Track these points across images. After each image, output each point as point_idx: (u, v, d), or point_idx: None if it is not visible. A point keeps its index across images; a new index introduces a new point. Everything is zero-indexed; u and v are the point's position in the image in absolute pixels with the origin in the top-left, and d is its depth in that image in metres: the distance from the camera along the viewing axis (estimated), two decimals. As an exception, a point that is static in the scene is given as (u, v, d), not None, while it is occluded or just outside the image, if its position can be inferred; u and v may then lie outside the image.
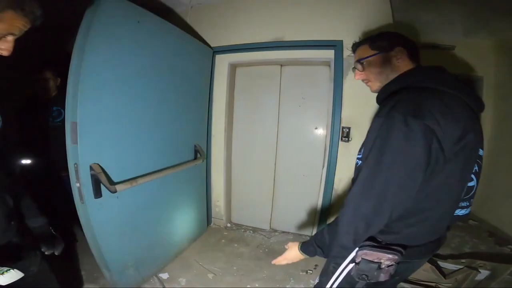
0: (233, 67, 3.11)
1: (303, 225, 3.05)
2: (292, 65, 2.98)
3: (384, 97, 1.04)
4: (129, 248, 2.01)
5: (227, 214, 3.29)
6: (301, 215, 3.06)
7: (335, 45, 2.56)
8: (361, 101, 2.56)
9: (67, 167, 1.57)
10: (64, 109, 1.57)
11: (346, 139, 2.64)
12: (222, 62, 3.02)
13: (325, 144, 2.82)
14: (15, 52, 0.83)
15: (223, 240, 2.92)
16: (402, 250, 0.91)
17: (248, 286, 2.21)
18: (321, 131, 2.94)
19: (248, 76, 3.15)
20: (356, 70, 1.16)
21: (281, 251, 2.49)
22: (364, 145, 0.97)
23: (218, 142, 3.16)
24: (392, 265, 0.90)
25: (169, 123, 2.29)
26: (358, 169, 1.01)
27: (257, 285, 2.23)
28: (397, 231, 0.93)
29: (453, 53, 3.53)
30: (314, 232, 2.84)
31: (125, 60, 1.78)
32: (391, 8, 2.42)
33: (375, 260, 0.90)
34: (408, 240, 0.93)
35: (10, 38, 0.80)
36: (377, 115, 0.89)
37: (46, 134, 2.25)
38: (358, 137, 2.62)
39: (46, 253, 1.08)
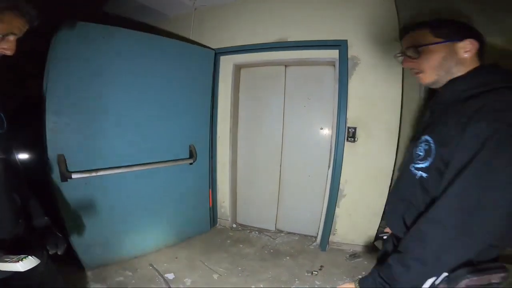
0: (238, 68, 3.12)
1: (308, 226, 3.05)
2: (296, 66, 2.98)
3: (455, 97, 0.87)
4: (97, 229, 2.26)
5: (232, 215, 3.30)
6: (307, 216, 3.05)
7: (340, 45, 2.55)
8: (367, 101, 2.55)
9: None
10: None
11: (352, 139, 2.62)
12: (227, 63, 3.04)
13: (331, 145, 2.80)
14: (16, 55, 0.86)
15: (228, 241, 2.94)
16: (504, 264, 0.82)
17: (253, 287, 2.22)
18: (326, 132, 2.92)
19: (253, 77, 3.17)
20: (406, 57, 0.98)
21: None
22: (441, 153, 0.82)
23: (224, 143, 3.17)
24: (499, 283, 0.81)
25: (158, 124, 2.50)
26: (424, 181, 0.87)
27: (261, 285, 2.23)
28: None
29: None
30: (320, 233, 2.82)
31: (103, 70, 2.16)
32: (396, 7, 2.39)
33: (485, 284, 0.80)
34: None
35: (12, 38, 0.84)
36: (463, 120, 0.76)
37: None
38: (365, 137, 2.60)
39: (50, 252, 1.10)
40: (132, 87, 2.33)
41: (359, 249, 2.75)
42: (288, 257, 2.63)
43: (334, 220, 2.78)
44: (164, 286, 2.19)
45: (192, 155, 2.75)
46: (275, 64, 2.97)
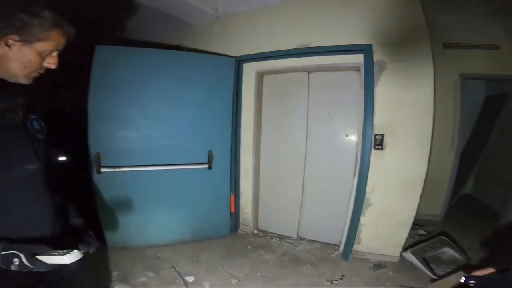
0: (260, 75, 3.15)
1: (331, 234, 2.96)
2: (320, 71, 2.94)
3: None
4: (119, 215, 2.66)
5: (254, 221, 3.30)
6: (330, 224, 2.98)
7: (364, 49, 2.49)
8: (395, 107, 2.46)
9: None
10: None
11: (380, 147, 2.52)
12: (250, 71, 3.08)
13: (357, 152, 2.71)
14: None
15: (249, 246, 2.94)
16: None
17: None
18: (352, 139, 2.84)
19: (276, 84, 3.17)
20: None
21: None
22: None
23: (247, 150, 3.20)
24: None
25: (179, 131, 2.78)
26: None
27: (279, 292, 2.20)
28: None
29: (498, 53, 3.25)
30: (343, 241, 2.74)
31: (132, 84, 2.59)
32: (421, 9, 2.31)
33: None
34: None
35: (55, 54, 0.94)
36: None
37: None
38: (393, 145, 2.50)
39: (82, 251, 1.17)
40: (156, 98, 2.67)
41: (384, 259, 2.63)
42: (308, 265, 2.58)
43: (358, 229, 2.68)
44: (183, 287, 2.23)
45: (209, 160, 2.83)
46: (298, 70, 2.96)
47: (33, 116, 0.99)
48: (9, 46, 0.83)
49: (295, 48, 2.76)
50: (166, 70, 2.66)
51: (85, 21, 2.35)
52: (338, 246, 2.84)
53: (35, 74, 0.92)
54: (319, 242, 3.02)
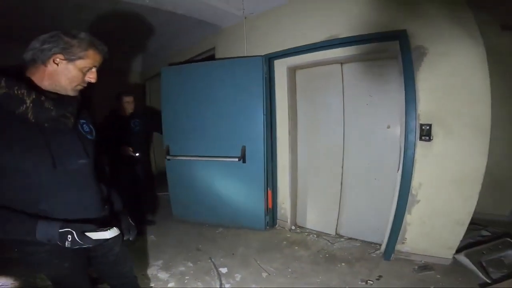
0: (292, 70, 3.12)
1: (373, 233, 2.79)
2: (353, 62, 2.79)
3: None
4: (181, 194, 3.57)
5: (292, 217, 3.27)
6: (372, 221, 2.81)
7: (398, 36, 2.28)
8: (442, 94, 2.22)
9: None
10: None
11: (427, 138, 2.28)
12: (281, 67, 3.07)
13: (400, 145, 2.49)
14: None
15: (284, 242, 2.93)
16: None
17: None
18: (394, 130, 2.63)
19: (308, 78, 3.11)
20: None
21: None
22: None
23: (283, 145, 3.20)
24: None
25: (218, 128, 3.19)
26: None
27: (306, 288, 2.16)
28: None
29: None
30: (385, 240, 2.55)
31: (183, 92, 3.30)
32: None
33: None
34: None
35: (94, 70, 1.12)
36: None
37: (129, 137, 3.10)
38: (443, 135, 2.24)
39: (124, 238, 1.34)
40: (202, 102, 3.22)
41: (432, 261, 2.38)
42: (343, 263, 2.47)
43: (403, 227, 2.47)
44: (216, 278, 2.34)
45: (242, 154, 3.05)
46: (330, 62, 2.84)
47: (83, 121, 1.21)
48: (57, 64, 1.02)
49: (323, 41, 2.66)
50: (206, 78, 3.15)
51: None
52: (380, 245, 2.65)
53: (80, 87, 1.11)
54: (359, 240, 2.87)
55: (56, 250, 1.06)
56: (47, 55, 1.00)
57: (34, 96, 0.98)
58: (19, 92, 0.95)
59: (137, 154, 2.98)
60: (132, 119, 3.15)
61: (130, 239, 1.31)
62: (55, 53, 1.00)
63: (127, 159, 2.97)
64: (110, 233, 1.05)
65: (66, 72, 1.04)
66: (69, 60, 1.03)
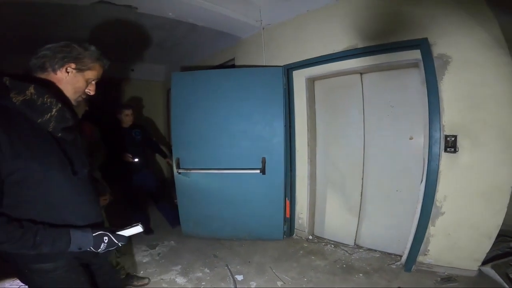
0: (311, 81, 3.12)
1: (394, 244, 2.71)
2: (373, 72, 2.77)
3: None
4: (192, 209, 3.28)
5: (309, 227, 3.24)
6: (393, 233, 2.73)
7: (420, 44, 2.24)
8: (468, 103, 2.15)
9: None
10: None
11: (452, 149, 2.21)
12: (299, 78, 3.09)
13: (424, 156, 2.41)
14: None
15: (301, 251, 2.90)
16: None
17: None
18: (417, 142, 2.56)
19: (328, 89, 3.10)
20: None
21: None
22: None
23: (302, 156, 3.20)
24: None
25: (236, 140, 3.07)
26: None
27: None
28: None
29: None
30: (406, 251, 2.46)
31: (197, 100, 3.09)
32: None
33: None
34: None
35: (94, 82, 1.17)
36: None
37: (130, 146, 3.28)
38: (469, 146, 2.16)
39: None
40: (218, 111, 3.07)
41: (457, 273, 2.28)
42: (361, 274, 2.40)
43: (426, 239, 2.39)
44: (232, 285, 2.35)
45: (262, 166, 2.95)
46: (349, 73, 2.82)
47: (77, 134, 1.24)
48: (68, 72, 1.05)
49: (342, 51, 2.65)
50: (223, 86, 3.02)
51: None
52: (401, 256, 2.56)
53: (80, 99, 1.14)
54: (379, 251, 2.79)
55: (73, 264, 1.08)
56: (59, 63, 1.03)
57: (60, 106, 1.00)
58: (47, 100, 0.96)
59: (136, 160, 3.21)
60: (133, 129, 3.39)
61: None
62: (68, 62, 1.04)
63: (128, 165, 3.21)
64: (140, 227, 1.11)
65: (75, 81, 1.07)
66: (80, 70, 1.06)
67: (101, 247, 1.01)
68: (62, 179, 1.02)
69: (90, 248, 1.00)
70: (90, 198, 1.16)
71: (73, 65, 1.05)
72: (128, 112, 3.31)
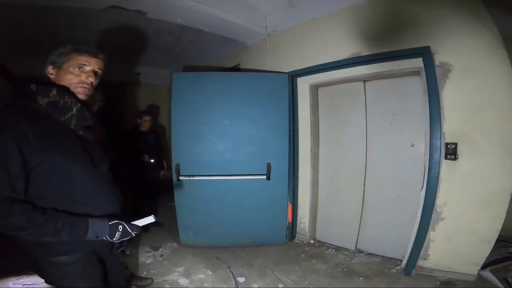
0: (315, 88, 3.18)
1: (394, 248, 2.74)
2: (376, 80, 2.83)
3: None
4: (191, 218, 3.10)
5: (311, 231, 3.28)
6: (393, 237, 2.76)
7: (422, 52, 2.29)
8: (469, 111, 2.20)
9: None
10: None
11: (452, 157, 2.25)
12: (303, 85, 3.15)
13: (424, 163, 2.46)
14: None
15: (302, 255, 2.93)
16: None
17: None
18: (419, 149, 2.61)
19: (332, 96, 3.16)
20: None
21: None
22: None
23: (305, 162, 3.24)
24: None
25: (240, 145, 3.01)
26: None
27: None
28: None
29: None
30: (407, 256, 2.49)
31: (199, 103, 2.95)
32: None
33: None
34: None
35: (87, 69, 1.16)
36: None
37: (145, 149, 3.55)
38: (469, 154, 2.21)
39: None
40: (221, 115, 2.98)
41: (456, 277, 2.31)
42: (361, 278, 2.43)
43: (426, 244, 2.43)
44: (233, 287, 2.38)
45: (267, 171, 2.96)
46: (352, 80, 2.89)
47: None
48: (52, 74, 1.13)
49: (346, 59, 2.71)
50: (228, 90, 2.96)
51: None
52: (401, 261, 2.59)
53: (80, 89, 1.14)
54: (379, 256, 2.82)
55: (90, 258, 1.15)
56: (45, 71, 1.14)
57: (79, 105, 1.10)
58: (68, 100, 1.07)
59: (152, 160, 3.53)
60: (150, 134, 3.66)
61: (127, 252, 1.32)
62: (47, 66, 1.14)
63: (145, 164, 3.51)
64: (153, 218, 1.16)
65: (62, 78, 1.12)
66: (58, 67, 1.12)
67: (116, 236, 1.07)
68: (83, 173, 1.10)
69: (106, 237, 1.06)
70: (109, 192, 1.22)
71: (50, 67, 1.14)
72: (147, 118, 3.60)
